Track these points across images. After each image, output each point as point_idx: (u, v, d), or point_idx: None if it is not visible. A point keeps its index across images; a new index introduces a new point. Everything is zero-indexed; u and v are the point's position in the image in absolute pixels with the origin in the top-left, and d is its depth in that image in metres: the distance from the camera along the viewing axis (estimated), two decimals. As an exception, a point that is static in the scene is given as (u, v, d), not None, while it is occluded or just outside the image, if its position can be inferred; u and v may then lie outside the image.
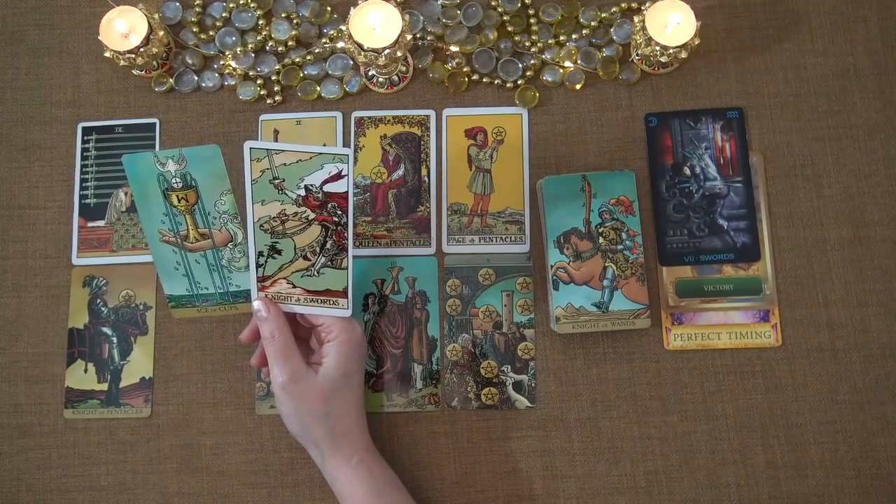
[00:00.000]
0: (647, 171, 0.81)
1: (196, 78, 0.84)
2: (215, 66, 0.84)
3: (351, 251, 0.70)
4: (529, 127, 0.82)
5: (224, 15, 0.85)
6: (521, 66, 0.83)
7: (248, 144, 0.67)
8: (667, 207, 0.80)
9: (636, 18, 0.79)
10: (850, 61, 0.82)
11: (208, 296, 0.73)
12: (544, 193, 0.78)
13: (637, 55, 0.82)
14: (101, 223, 0.82)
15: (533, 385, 0.78)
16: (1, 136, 0.84)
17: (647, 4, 0.78)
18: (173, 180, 0.69)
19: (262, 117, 0.83)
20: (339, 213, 0.69)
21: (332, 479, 0.70)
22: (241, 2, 0.85)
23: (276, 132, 0.83)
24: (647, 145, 0.81)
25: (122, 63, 0.79)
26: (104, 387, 0.79)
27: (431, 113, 0.83)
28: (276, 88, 0.83)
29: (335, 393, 0.69)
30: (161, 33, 0.80)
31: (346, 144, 0.83)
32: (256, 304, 0.71)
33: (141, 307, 0.80)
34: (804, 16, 0.83)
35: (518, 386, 0.78)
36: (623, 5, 0.84)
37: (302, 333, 0.74)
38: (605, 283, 0.75)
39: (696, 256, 0.79)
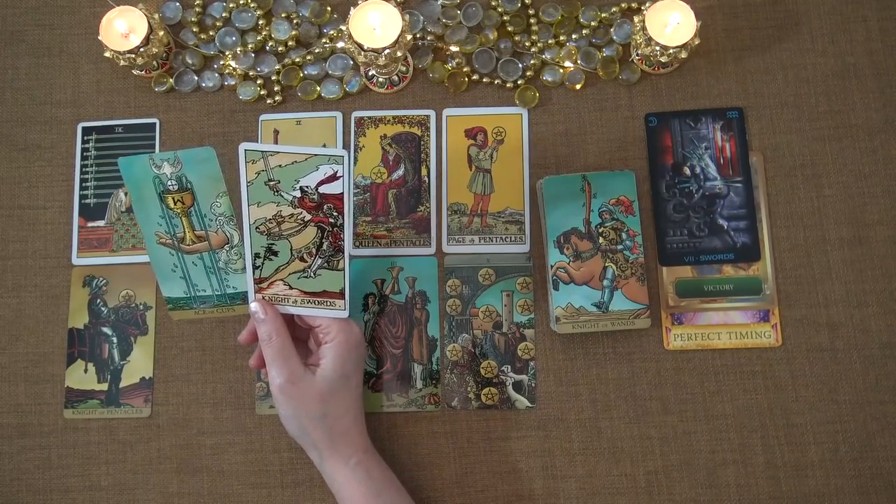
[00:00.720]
0: (647, 171, 0.81)
1: (196, 78, 0.84)
2: (215, 66, 0.84)
3: (348, 252, 0.70)
4: (529, 127, 0.82)
5: (224, 15, 0.85)
6: (521, 66, 0.83)
7: (243, 146, 0.67)
8: (667, 207, 0.80)
9: (636, 18, 0.79)
10: (850, 61, 0.82)
11: (206, 298, 0.73)
12: (544, 193, 0.77)
13: (637, 55, 0.82)
14: (101, 223, 0.82)
15: (533, 385, 0.78)
16: (1, 136, 0.84)
17: (647, 4, 0.78)
18: (169, 183, 0.69)
19: (262, 117, 0.83)
20: (335, 214, 0.69)
21: (330, 480, 0.71)
22: (241, 2, 0.85)
23: (276, 132, 0.83)
24: (647, 145, 0.81)
25: (122, 63, 0.80)
26: (104, 387, 0.79)
27: (431, 113, 0.83)
28: (276, 88, 0.83)
29: (333, 394, 0.69)
30: (161, 33, 0.80)
31: (346, 144, 0.83)
32: (254, 305, 0.71)
33: (141, 307, 0.80)
34: (804, 16, 0.83)
35: (518, 386, 0.78)
36: (623, 5, 0.84)
37: (300, 334, 0.74)
38: (605, 283, 0.75)
39: (696, 256, 0.79)
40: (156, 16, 0.80)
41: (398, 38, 0.75)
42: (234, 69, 0.83)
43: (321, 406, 0.68)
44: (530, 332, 0.79)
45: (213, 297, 0.73)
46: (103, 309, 0.80)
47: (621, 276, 0.75)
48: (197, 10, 0.85)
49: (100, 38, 0.78)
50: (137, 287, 0.81)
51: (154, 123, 0.83)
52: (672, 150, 0.81)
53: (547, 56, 0.83)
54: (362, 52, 0.75)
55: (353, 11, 0.75)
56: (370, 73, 0.82)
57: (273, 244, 0.70)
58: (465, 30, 0.83)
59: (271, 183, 0.68)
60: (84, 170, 0.83)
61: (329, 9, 0.84)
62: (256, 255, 0.70)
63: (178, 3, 0.85)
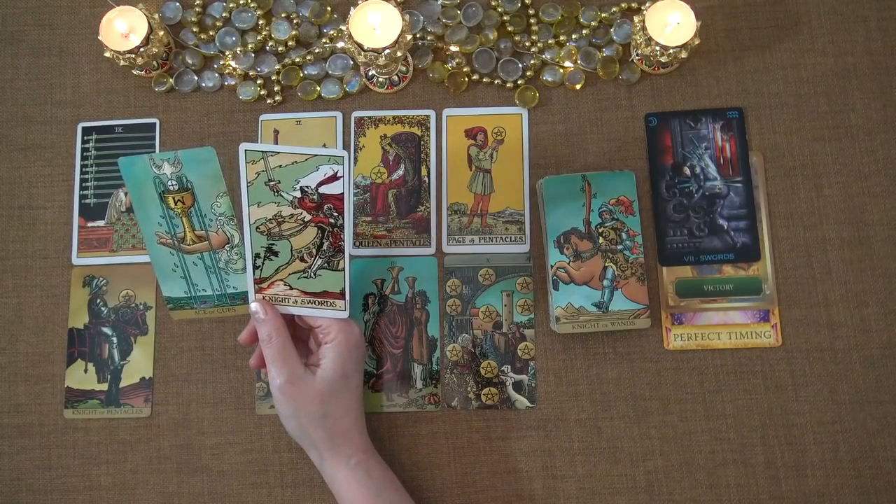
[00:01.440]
0: (647, 171, 0.81)
1: (196, 78, 0.84)
2: (215, 66, 0.84)
3: (348, 253, 0.70)
4: (529, 127, 0.82)
5: (224, 15, 0.85)
6: (521, 66, 0.83)
7: (243, 146, 0.67)
8: (667, 207, 0.80)
9: (636, 18, 0.79)
10: (850, 61, 0.82)
11: (206, 298, 0.73)
12: (544, 193, 0.77)
13: (637, 55, 0.82)
14: (101, 223, 0.82)
15: (533, 385, 0.78)
16: (1, 136, 0.84)
17: (647, 4, 0.78)
18: (169, 183, 0.69)
19: (262, 117, 0.83)
20: (336, 214, 0.69)
21: (330, 480, 0.71)
22: (241, 2, 0.85)
23: (276, 132, 0.83)
24: (647, 145, 0.81)
25: (122, 63, 0.80)
26: (104, 387, 0.79)
27: (431, 113, 0.83)
28: (276, 88, 0.83)
29: (333, 394, 0.69)
30: (161, 33, 0.80)
31: (346, 144, 0.83)
32: (254, 305, 0.71)
33: (141, 307, 0.80)
34: (804, 16, 0.83)
35: (518, 386, 0.78)
36: (623, 5, 0.84)
37: (300, 334, 0.74)
38: (605, 283, 0.75)
39: (696, 256, 0.79)
40: (156, 16, 0.80)
41: (398, 38, 0.75)
42: (234, 69, 0.83)
43: (321, 406, 0.68)
44: (530, 332, 0.79)
45: (213, 297, 0.73)
46: (103, 309, 0.80)
47: (621, 276, 0.75)
48: (197, 10, 0.85)
49: (100, 38, 0.78)
50: (137, 287, 0.81)
51: (154, 123, 0.83)
52: (672, 150, 0.81)
53: (547, 56, 0.83)
54: (362, 52, 0.75)
55: (353, 11, 0.75)
56: (370, 73, 0.82)
57: (273, 244, 0.70)
58: (465, 30, 0.83)
59: (271, 183, 0.68)
60: (84, 170, 0.83)
61: (329, 9, 0.84)
62: (257, 256, 0.70)
63: (178, 3, 0.85)
